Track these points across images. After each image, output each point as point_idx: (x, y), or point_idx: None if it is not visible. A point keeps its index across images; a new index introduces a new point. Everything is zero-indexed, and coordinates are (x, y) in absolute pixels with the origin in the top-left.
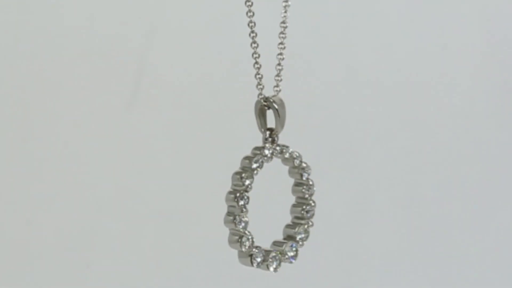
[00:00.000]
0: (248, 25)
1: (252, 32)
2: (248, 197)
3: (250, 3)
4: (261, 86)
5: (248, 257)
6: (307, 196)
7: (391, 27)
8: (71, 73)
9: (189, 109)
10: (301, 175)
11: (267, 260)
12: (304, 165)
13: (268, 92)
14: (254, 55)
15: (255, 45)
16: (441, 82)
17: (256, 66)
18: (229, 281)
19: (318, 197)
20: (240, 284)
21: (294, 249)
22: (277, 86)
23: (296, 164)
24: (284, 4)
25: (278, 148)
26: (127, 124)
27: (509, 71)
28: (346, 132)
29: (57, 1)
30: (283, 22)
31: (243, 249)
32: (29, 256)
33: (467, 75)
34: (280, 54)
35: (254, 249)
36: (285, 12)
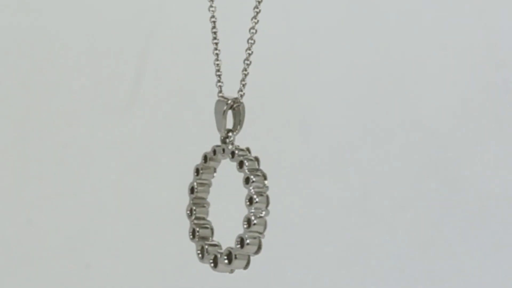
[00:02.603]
0: (210, 20)
1: (214, 27)
2: None
3: (213, 9)
4: (220, 84)
5: (246, 259)
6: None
7: (391, 27)
8: (71, 73)
9: (189, 110)
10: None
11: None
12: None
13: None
14: (215, 51)
15: (216, 40)
16: (441, 82)
17: (216, 63)
18: (229, 281)
19: (317, 197)
20: (238, 284)
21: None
22: (241, 90)
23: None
24: (255, 10)
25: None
26: (127, 124)
27: (509, 71)
28: (346, 131)
29: (57, 1)
30: (253, 28)
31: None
32: (29, 256)
33: (467, 75)
34: (247, 59)
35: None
36: (256, 18)
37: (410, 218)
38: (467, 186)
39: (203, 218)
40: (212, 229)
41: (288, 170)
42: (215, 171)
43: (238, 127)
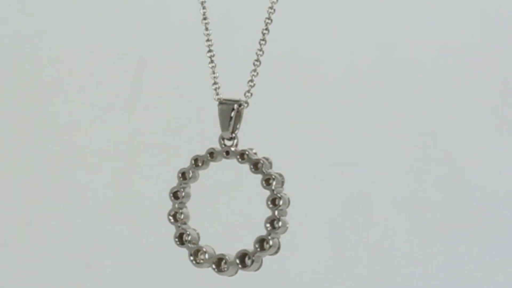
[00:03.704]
0: (202, 22)
1: (207, 29)
2: None
3: (204, 10)
4: (216, 86)
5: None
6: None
7: (391, 27)
8: (71, 73)
9: (189, 109)
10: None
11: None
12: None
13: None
14: (209, 53)
15: (210, 42)
16: (441, 82)
17: (210, 65)
18: (229, 280)
19: (318, 197)
20: (238, 284)
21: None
22: (248, 91)
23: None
24: (269, 10)
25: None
26: (127, 124)
27: (509, 71)
28: (346, 131)
29: (57, 1)
30: (266, 29)
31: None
32: (29, 256)
33: (467, 75)
34: (257, 60)
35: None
36: (269, 19)
37: (410, 218)
38: (467, 186)
39: (186, 223)
40: (198, 233)
41: (289, 170)
42: (198, 176)
43: (238, 126)
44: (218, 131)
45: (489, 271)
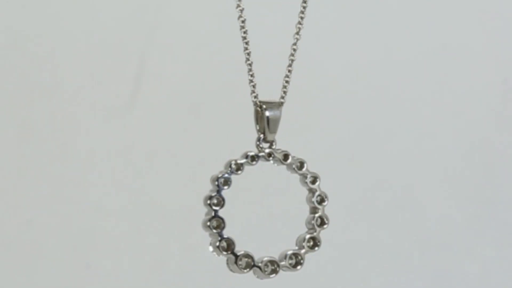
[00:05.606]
0: (238, 20)
1: (245, 38)
2: None
3: (241, 8)
4: (255, 94)
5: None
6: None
7: (391, 27)
8: (71, 73)
9: (190, 109)
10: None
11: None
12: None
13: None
14: (247, 62)
15: (248, 51)
16: (441, 82)
17: (249, 73)
18: (229, 281)
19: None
20: (239, 284)
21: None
22: (284, 87)
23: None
24: (300, 15)
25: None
26: (127, 124)
27: (509, 71)
28: (347, 132)
29: (58, 1)
30: (297, 33)
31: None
32: (29, 256)
33: (467, 75)
34: (292, 55)
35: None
36: (300, 24)
37: (412, 218)
38: (468, 186)
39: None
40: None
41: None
42: None
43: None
44: (224, 132)
45: (490, 271)
